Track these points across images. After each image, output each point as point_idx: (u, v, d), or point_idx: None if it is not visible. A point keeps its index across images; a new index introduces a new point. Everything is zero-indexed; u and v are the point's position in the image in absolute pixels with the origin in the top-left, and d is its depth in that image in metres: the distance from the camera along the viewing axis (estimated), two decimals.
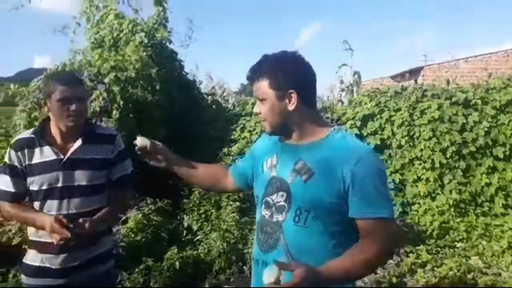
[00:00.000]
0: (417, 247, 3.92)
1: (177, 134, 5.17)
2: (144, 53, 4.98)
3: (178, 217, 4.40)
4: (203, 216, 4.42)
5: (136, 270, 3.35)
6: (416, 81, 14.91)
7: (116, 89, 4.45)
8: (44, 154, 1.79)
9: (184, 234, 4.22)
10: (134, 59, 4.86)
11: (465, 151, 4.84)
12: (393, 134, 5.11)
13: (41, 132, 1.81)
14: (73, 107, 1.75)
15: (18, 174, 1.79)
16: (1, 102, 5.06)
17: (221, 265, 3.71)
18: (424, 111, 4.99)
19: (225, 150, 5.37)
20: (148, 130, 4.73)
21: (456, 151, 4.82)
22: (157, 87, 4.93)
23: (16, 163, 1.78)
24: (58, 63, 4.81)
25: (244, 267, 3.74)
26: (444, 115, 4.90)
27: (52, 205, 1.79)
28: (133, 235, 3.67)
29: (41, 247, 1.80)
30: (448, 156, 4.82)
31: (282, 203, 1.37)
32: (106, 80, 4.52)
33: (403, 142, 5.00)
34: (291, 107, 1.36)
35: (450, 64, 15.81)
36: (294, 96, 1.35)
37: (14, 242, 3.51)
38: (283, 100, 1.36)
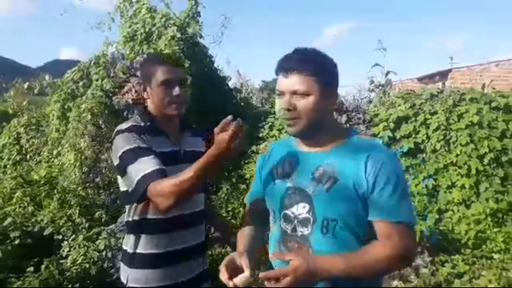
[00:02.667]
0: (453, 257, 3.78)
1: (206, 128, 5.15)
2: (176, 47, 4.97)
3: None
4: (230, 213, 4.38)
5: None
6: (444, 83, 14.52)
7: None
8: (161, 144, 1.56)
9: (212, 231, 4.18)
10: (166, 52, 4.85)
11: (504, 159, 4.65)
12: (428, 138, 4.94)
13: (149, 119, 1.60)
14: (176, 91, 1.57)
15: (152, 153, 1.47)
16: (37, 92, 5.14)
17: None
18: (462, 115, 4.81)
19: (253, 148, 5.32)
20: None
21: (494, 158, 4.64)
22: (188, 81, 4.91)
23: (144, 144, 1.48)
24: (93, 55, 4.84)
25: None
26: (483, 120, 4.72)
27: None
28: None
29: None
30: (485, 163, 4.64)
31: (305, 215, 1.28)
32: (139, 73, 4.51)
33: (438, 147, 4.84)
34: (331, 105, 1.31)
35: (481, 67, 15.35)
36: (335, 95, 1.32)
37: (46, 232, 3.53)
38: (325, 97, 1.27)
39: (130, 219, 1.62)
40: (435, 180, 4.82)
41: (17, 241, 3.38)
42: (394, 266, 1.26)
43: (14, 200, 4.50)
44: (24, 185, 4.76)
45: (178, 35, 5.25)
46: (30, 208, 4.19)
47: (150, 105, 1.64)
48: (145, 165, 1.43)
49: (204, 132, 1.80)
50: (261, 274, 1.13)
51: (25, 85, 4.97)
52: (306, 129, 1.28)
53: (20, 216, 3.88)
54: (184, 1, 6.07)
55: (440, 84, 13.69)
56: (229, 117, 1.25)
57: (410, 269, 3.49)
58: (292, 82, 1.25)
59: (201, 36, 5.96)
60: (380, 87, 7.44)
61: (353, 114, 5.59)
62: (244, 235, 1.44)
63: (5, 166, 6.66)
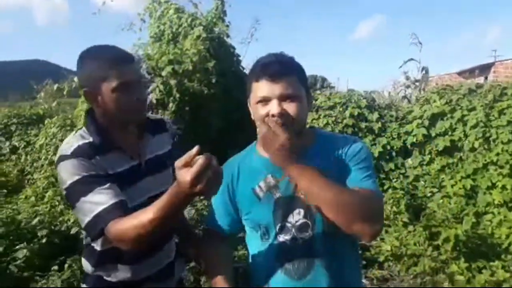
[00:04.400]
0: (492, 263, 3.52)
1: (232, 127, 5.09)
2: (202, 47, 4.94)
3: None
4: None
5: (187, 267, 3.29)
6: (486, 78, 13.78)
7: (173, 82, 4.44)
8: (117, 163, 1.32)
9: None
10: (192, 52, 4.84)
11: None
12: (466, 135, 4.66)
13: (99, 132, 1.31)
14: (137, 94, 1.29)
15: (107, 180, 1.24)
16: (66, 94, 5.27)
17: None
18: (503, 111, 4.50)
19: None
20: (203, 122, 4.70)
21: None
22: (213, 81, 4.88)
23: (95, 171, 1.24)
24: None
25: None
26: None
27: None
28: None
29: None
30: None
31: (302, 220, 1.24)
32: (164, 73, 4.52)
33: (476, 145, 4.55)
34: (309, 107, 1.30)
35: None
36: (312, 98, 1.32)
37: (73, 231, 3.58)
38: (308, 101, 1.27)
39: (91, 244, 1.38)
40: (474, 180, 4.53)
41: (44, 240, 3.45)
42: (351, 207, 1.14)
43: (46, 199, 4.64)
44: (56, 184, 4.89)
45: (204, 34, 5.23)
46: (60, 207, 4.29)
47: (100, 113, 1.33)
48: (98, 200, 1.19)
49: (164, 121, 1.57)
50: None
51: (55, 87, 5.09)
52: (297, 134, 1.22)
53: (48, 215, 3.97)
54: (212, 1, 6.07)
55: (482, 79, 13.01)
56: (195, 148, 0.97)
57: (444, 276, 3.28)
58: (283, 86, 1.19)
59: (227, 36, 5.93)
60: (416, 83, 7.13)
61: (385, 111, 5.37)
62: (220, 258, 1.34)
63: (42, 166, 6.91)
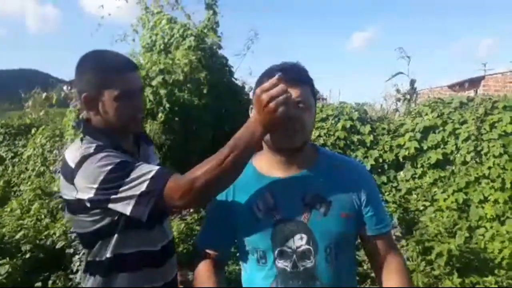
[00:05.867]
0: (485, 278, 3.48)
1: (223, 138, 5.03)
2: (193, 57, 4.90)
3: None
4: None
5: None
6: (476, 91, 13.92)
7: (162, 92, 4.38)
8: None
9: None
10: (183, 62, 4.80)
11: None
12: (457, 148, 4.66)
13: (106, 138, 1.26)
14: (138, 103, 1.27)
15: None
16: (55, 103, 5.14)
17: None
18: (494, 124, 4.51)
19: None
20: (193, 132, 4.64)
21: None
22: (205, 91, 4.84)
23: (126, 158, 1.19)
24: None
25: None
26: None
27: (155, 234, 1.32)
28: (175, 246, 3.51)
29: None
30: None
31: (305, 246, 1.17)
32: (154, 82, 4.47)
33: (468, 158, 4.55)
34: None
35: None
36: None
37: (58, 245, 3.47)
38: (315, 112, 1.25)
39: (99, 258, 1.28)
40: (466, 194, 4.52)
41: (28, 255, 3.34)
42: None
43: (32, 212, 4.52)
44: (42, 197, 4.77)
45: (195, 44, 5.20)
46: (46, 221, 4.18)
47: (98, 121, 1.27)
48: (144, 171, 1.13)
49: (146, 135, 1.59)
50: None
51: (43, 96, 4.99)
52: (300, 144, 1.19)
53: (33, 228, 3.85)
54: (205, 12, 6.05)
55: (472, 92, 13.15)
56: (276, 76, 1.06)
57: None
58: (299, 92, 1.15)
59: (220, 47, 5.90)
60: (407, 95, 7.16)
61: (377, 124, 5.36)
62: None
63: (29, 177, 6.76)
